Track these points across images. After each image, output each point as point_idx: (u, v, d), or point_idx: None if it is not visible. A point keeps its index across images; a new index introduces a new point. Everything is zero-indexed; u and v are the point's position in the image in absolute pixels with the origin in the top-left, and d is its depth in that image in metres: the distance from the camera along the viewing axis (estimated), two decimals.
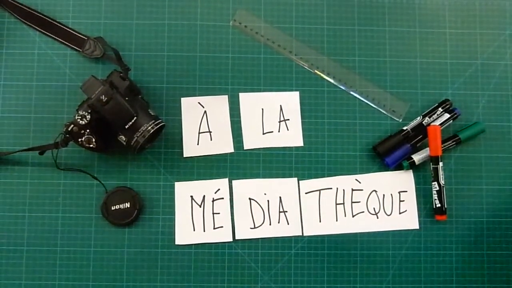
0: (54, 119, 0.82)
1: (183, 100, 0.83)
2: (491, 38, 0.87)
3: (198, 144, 0.83)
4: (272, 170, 0.82)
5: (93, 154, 0.81)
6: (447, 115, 0.83)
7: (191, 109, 0.83)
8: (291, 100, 0.84)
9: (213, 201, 0.81)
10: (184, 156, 0.82)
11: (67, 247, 0.80)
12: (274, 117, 0.84)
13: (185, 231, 0.81)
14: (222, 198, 0.81)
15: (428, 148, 0.83)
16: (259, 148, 0.83)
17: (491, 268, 0.82)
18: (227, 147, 0.83)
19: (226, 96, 0.84)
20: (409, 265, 0.81)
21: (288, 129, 0.84)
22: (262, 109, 0.84)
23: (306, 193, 0.82)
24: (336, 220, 0.82)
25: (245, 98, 0.84)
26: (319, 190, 0.82)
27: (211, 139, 0.83)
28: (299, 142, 0.83)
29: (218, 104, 0.83)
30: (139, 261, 0.80)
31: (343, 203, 0.82)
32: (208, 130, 0.83)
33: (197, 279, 0.80)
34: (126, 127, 0.74)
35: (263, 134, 0.83)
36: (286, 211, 0.81)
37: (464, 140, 0.83)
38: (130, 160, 0.82)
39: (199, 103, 0.83)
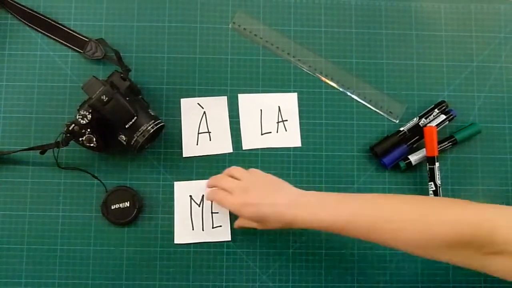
0: (55, 119, 0.83)
1: (182, 101, 0.84)
2: (486, 41, 0.88)
3: (197, 144, 0.84)
4: (270, 171, 0.82)
5: (94, 154, 0.82)
6: (443, 116, 0.84)
7: (191, 109, 0.84)
8: (289, 101, 0.85)
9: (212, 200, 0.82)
10: (184, 156, 0.83)
11: (67, 246, 0.80)
12: (272, 118, 0.85)
13: (184, 230, 0.81)
14: None
15: (424, 149, 0.83)
16: (257, 149, 0.84)
17: None
18: (226, 148, 0.84)
19: (225, 97, 0.85)
20: (406, 265, 0.82)
21: (286, 130, 0.85)
22: (261, 110, 0.85)
23: None
24: None
25: (244, 99, 0.85)
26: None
27: (210, 140, 0.84)
28: (297, 143, 0.84)
29: (217, 105, 0.85)
30: (138, 260, 0.81)
31: None
32: (207, 131, 0.84)
33: (195, 278, 0.80)
34: (126, 126, 0.75)
35: (262, 134, 0.84)
36: None
37: (460, 141, 0.84)
38: (130, 159, 0.83)
39: (198, 104, 0.84)
